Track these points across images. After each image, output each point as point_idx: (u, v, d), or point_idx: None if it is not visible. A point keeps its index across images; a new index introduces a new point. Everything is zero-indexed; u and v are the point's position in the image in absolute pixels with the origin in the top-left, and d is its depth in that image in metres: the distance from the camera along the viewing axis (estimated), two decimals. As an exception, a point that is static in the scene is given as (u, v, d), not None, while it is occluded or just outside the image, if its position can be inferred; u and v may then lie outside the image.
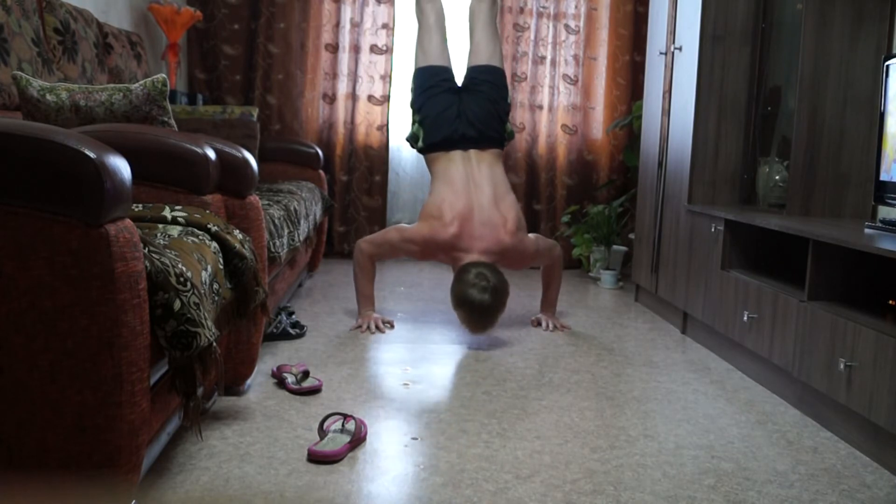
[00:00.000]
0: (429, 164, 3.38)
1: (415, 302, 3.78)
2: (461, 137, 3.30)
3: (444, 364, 2.75)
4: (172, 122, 2.23)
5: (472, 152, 3.30)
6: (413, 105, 3.44)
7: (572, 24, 4.92)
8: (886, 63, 2.58)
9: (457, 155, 3.29)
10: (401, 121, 4.95)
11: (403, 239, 3.21)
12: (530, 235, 3.29)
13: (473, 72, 3.45)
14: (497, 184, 3.25)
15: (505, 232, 3.15)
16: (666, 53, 3.65)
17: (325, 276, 4.34)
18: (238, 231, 1.99)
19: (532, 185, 4.97)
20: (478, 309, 2.91)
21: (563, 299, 3.98)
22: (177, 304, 1.42)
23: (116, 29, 3.43)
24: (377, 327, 3.18)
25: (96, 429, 1.29)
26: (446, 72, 3.44)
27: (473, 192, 3.20)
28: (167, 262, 1.45)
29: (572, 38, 4.93)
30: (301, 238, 3.16)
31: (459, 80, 3.50)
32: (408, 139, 3.47)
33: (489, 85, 3.40)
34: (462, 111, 3.33)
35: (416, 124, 3.40)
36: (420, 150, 3.39)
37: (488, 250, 3.12)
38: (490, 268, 2.99)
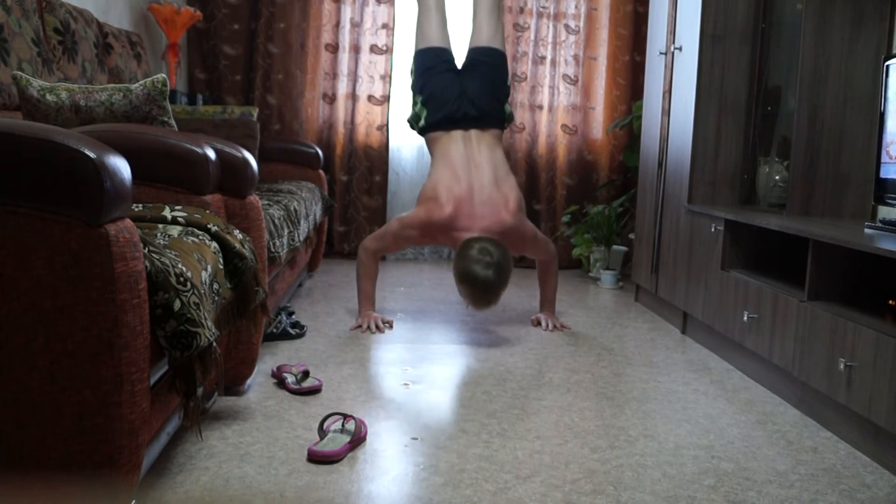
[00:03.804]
0: (429, 144, 3.36)
1: (415, 302, 3.78)
2: (463, 116, 3.29)
3: (444, 364, 2.75)
4: (172, 122, 2.23)
5: (473, 132, 3.29)
6: (414, 87, 3.43)
7: (572, 24, 4.92)
8: (886, 63, 2.58)
9: (457, 134, 3.28)
10: (401, 121, 4.95)
11: (403, 226, 3.21)
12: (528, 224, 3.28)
13: (474, 53, 3.43)
14: (497, 165, 3.24)
15: (507, 212, 3.14)
16: (666, 53, 3.65)
17: (325, 276, 4.34)
18: (238, 231, 1.99)
19: (532, 185, 4.97)
20: (481, 285, 2.89)
21: (563, 299, 3.98)
22: (177, 304, 1.42)
23: (116, 29, 3.43)
24: (377, 327, 3.18)
25: (96, 429, 1.29)
26: (446, 53, 3.42)
27: (473, 172, 3.19)
28: (167, 262, 1.45)
29: (572, 38, 4.93)
30: (301, 238, 3.16)
31: (459, 62, 3.47)
32: (409, 121, 3.45)
33: (488, 66, 3.38)
34: (463, 90, 3.32)
35: (419, 104, 3.38)
36: (421, 131, 3.38)
37: (489, 230, 3.11)
38: (493, 243, 2.97)
